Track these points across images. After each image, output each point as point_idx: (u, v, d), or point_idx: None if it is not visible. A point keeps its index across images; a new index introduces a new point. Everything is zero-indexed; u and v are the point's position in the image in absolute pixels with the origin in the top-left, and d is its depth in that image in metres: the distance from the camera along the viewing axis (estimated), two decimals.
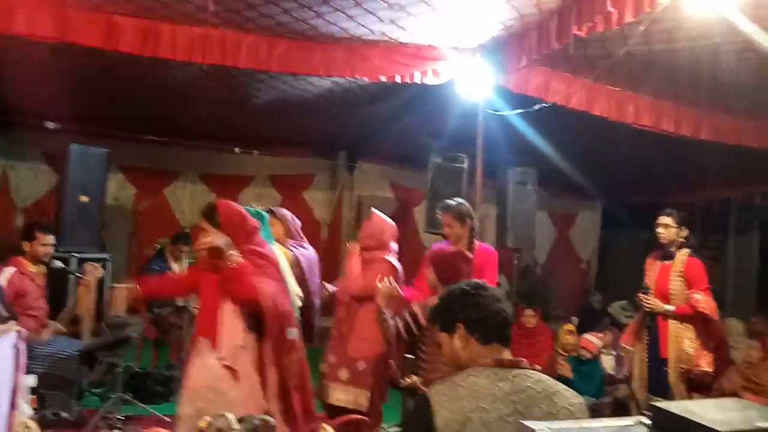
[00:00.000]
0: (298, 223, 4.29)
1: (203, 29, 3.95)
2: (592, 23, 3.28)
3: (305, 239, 4.20)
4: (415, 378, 2.79)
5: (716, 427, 1.11)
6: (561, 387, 1.59)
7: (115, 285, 5.32)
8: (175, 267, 5.83)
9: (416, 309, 2.98)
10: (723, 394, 4.44)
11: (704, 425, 1.12)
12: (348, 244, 3.85)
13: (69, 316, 4.56)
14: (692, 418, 1.15)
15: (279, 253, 3.56)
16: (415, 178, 7.68)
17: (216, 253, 2.81)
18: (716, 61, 4.13)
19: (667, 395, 3.71)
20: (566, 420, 1.41)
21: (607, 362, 5.35)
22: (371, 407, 3.49)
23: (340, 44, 4.28)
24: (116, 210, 7.06)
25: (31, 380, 3.54)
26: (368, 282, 3.49)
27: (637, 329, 3.98)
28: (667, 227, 3.87)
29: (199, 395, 2.75)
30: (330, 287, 3.81)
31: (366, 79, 4.60)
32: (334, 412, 3.54)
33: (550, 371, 4.89)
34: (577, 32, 3.38)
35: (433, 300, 2.33)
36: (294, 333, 2.88)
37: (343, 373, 3.55)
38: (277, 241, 3.78)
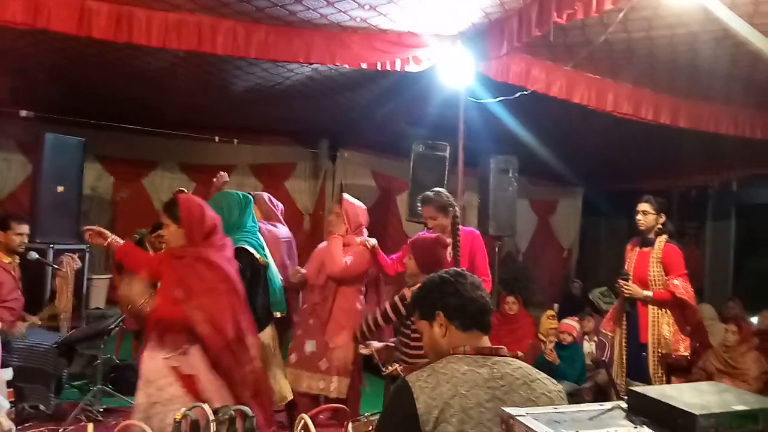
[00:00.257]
0: (280, 206, 4.26)
1: (179, 14, 3.87)
2: (571, 10, 3.28)
3: (283, 223, 4.17)
4: (397, 366, 2.80)
5: (693, 411, 1.11)
6: (541, 375, 1.60)
7: (93, 276, 5.26)
8: None
9: (407, 293, 2.98)
10: (701, 377, 4.53)
11: (681, 409, 1.13)
12: (328, 227, 3.80)
13: (49, 313, 4.50)
14: (669, 402, 1.16)
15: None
16: (397, 166, 7.66)
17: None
18: (694, 49, 4.16)
19: (647, 380, 3.76)
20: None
21: (589, 348, 5.43)
22: (351, 394, 3.50)
23: (320, 31, 4.23)
24: (94, 200, 6.95)
25: (7, 374, 3.49)
26: (349, 266, 3.49)
27: (616, 315, 4.03)
28: (646, 214, 3.90)
29: (147, 387, 2.77)
30: (302, 270, 3.77)
31: (347, 67, 4.56)
32: (307, 400, 3.55)
33: (532, 357, 4.95)
34: (557, 19, 3.37)
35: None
36: (250, 342, 2.85)
37: (323, 363, 3.54)
38: None
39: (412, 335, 2.89)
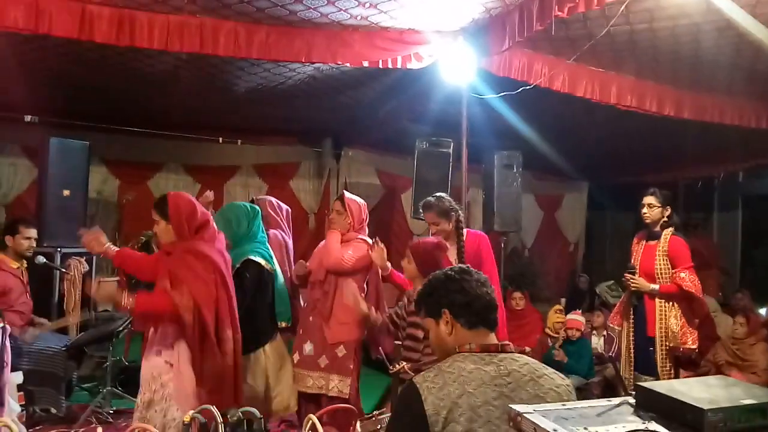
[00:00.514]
0: (285, 209, 4.25)
1: (180, 17, 3.88)
2: (573, 3, 3.27)
3: (283, 228, 4.14)
4: (404, 364, 2.80)
5: (701, 405, 1.11)
6: (548, 370, 1.59)
7: (101, 279, 5.28)
8: None
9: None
10: (710, 370, 4.51)
11: (689, 403, 1.13)
12: (329, 224, 3.79)
13: (63, 324, 4.52)
14: (677, 397, 1.16)
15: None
16: (401, 164, 7.66)
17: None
18: (697, 40, 4.14)
19: (654, 374, 3.75)
20: (553, 402, 1.41)
21: (597, 342, 5.42)
22: (353, 393, 3.50)
23: (320, 30, 4.23)
24: (100, 203, 6.98)
25: (18, 377, 3.52)
26: (345, 257, 3.50)
27: (623, 309, 4.02)
28: (651, 207, 3.89)
29: (147, 386, 2.79)
30: (305, 263, 3.76)
31: (348, 65, 4.56)
32: (310, 400, 3.55)
33: (540, 352, 4.94)
34: (559, 13, 3.36)
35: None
36: (228, 336, 2.84)
37: (322, 360, 3.54)
38: None
39: (421, 333, 2.89)
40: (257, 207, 3.65)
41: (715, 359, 4.71)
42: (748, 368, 4.56)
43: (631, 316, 3.94)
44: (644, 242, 3.98)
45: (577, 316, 5.24)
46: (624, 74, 4.90)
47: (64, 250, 4.92)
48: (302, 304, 3.92)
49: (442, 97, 5.08)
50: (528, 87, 4.57)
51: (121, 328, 4.42)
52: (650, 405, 1.19)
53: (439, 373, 1.53)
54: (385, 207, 7.95)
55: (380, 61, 4.37)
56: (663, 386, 1.23)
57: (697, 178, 8.11)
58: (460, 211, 3.54)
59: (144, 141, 6.93)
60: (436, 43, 4.38)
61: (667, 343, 3.77)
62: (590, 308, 5.98)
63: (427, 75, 4.77)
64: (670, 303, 3.80)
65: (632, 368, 3.87)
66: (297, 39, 4.20)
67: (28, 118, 6.21)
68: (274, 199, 4.28)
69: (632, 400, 1.22)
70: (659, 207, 3.87)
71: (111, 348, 4.40)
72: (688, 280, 3.74)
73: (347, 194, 3.76)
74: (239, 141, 7.39)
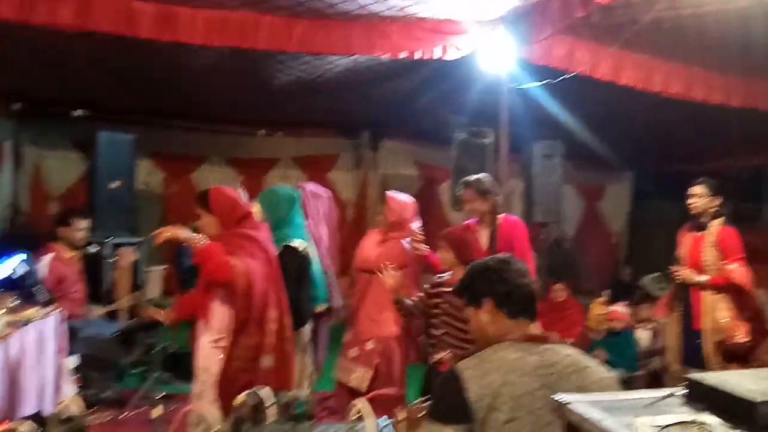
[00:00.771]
0: (324, 196, 4.22)
1: (221, 11, 3.94)
2: None
3: (320, 216, 4.13)
4: (444, 353, 2.80)
5: (753, 397, 1.08)
6: (592, 362, 1.58)
7: (149, 269, 5.46)
8: None
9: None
10: (762, 365, 4.36)
11: (740, 396, 1.10)
12: (374, 225, 3.87)
13: (115, 308, 4.68)
14: (729, 389, 1.13)
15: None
16: (439, 155, 7.62)
17: (179, 240, 2.85)
18: (745, 25, 3.97)
19: (702, 367, 3.66)
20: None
21: (643, 335, 5.30)
22: (374, 387, 3.52)
23: (358, 22, 4.24)
24: (146, 195, 7.18)
25: (73, 361, 3.68)
26: (375, 257, 3.54)
27: (670, 301, 3.93)
28: (699, 197, 3.78)
29: (199, 374, 2.84)
30: None
31: (387, 57, 4.56)
32: (347, 390, 3.61)
33: (582, 345, 4.87)
34: None
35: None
36: (272, 315, 2.87)
37: (353, 351, 3.61)
38: None
39: (459, 324, 2.89)
40: (296, 192, 3.69)
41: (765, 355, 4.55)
42: None
43: (678, 309, 3.84)
44: (692, 233, 3.87)
45: (620, 308, 5.14)
46: (670, 61, 4.75)
47: (114, 240, 5.10)
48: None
49: (481, 87, 5.03)
50: (569, 76, 4.48)
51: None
52: (701, 397, 1.17)
53: (481, 362, 1.53)
54: (422, 198, 7.88)
55: (418, 52, 4.35)
56: (714, 378, 1.21)
57: (748, 167, 7.81)
58: (498, 197, 3.52)
59: (187, 134, 7.10)
60: (474, 33, 4.33)
61: (716, 337, 3.67)
62: (634, 301, 5.84)
63: (466, 65, 4.73)
64: (719, 295, 3.69)
65: (679, 361, 3.78)
66: (335, 31, 4.22)
67: (77, 112, 6.45)
68: (311, 186, 4.27)
69: (680, 392, 1.20)
70: (707, 197, 3.76)
71: (159, 335, 4.54)
72: (738, 272, 3.62)
73: (390, 193, 3.79)
74: (279, 133, 7.49)
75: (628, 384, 4.57)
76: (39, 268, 3.89)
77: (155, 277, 5.85)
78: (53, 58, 4.96)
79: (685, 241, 3.89)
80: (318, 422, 1.06)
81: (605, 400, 1.11)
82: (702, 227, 3.79)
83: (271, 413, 1.08)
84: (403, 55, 4.37)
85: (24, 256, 3.61)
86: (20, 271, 3.46)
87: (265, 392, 1.04)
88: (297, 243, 3.48)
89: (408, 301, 3.25)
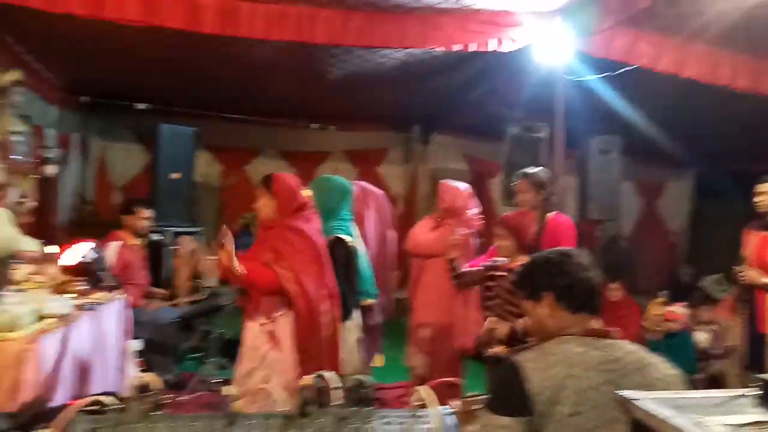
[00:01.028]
0: (375, 193, 4.21)
1: (280, 6, 4.01)
2: None
3: (369, 214, 4.10)
4: (501, 346, 2.78)
5: None
6: (656, 359, 1.54)
7: (207, 257, 5.63)
8: None
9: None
10: None
11: None
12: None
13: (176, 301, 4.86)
14: None
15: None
16: (490, 149, 7.53)
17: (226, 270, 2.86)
18: None
19: (766, 371, 3.50)
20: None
21: (702, 337, 5.11)
22: (433, 375, 3.55)
23: (413, 14, 4.23)
24: (204, 186, 7.40)
25: (137, 344, 3.84)
26: (427, 242, 3.57)
27: (734, 304, 3.79)
28: (767, 194, 3.61)
29: (248, 356, 2.93)
30: None
31: (440, 50, 4.53)
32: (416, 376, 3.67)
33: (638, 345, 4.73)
34: None
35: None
36: (327, 309, 2.92)
37: (413, 338, 3.66)
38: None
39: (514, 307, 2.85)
40: (350, 186, 3.68)
41: None
42: None
43: (742, 311, 3.69)
44: (758, 232, 3.71)
45: (677, 308, 4.96)
46: (737, 53, 4.53)
47: (174, 229, 5.29)
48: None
49: (536, 80, 4.94)
50: (630, 68, 4.35)
51: (226, 303, 4.70)
52: None
53: (542, 354, 1.51)
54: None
55: (473, 45, 4.31)
56: None
57: None
58: (552, 192, 3.47)
59: (243, 127, 7.27)
60: (530, 25, 4.26)
61: None
62: (694, 302, 5.63)
63: (520, 57, 4.65)
64: None
65: (743, 365, 3.63)
66: (389, 24, 4.23)
67: (140, 106, 6.71)
68: (364, 184, 4.24)
69: (753, 393, 1.16)
70: None
71: (216, 321, 4.69)
72: None
73: (443, 181, 3.80)
74: (332, 127, 7.57)
75: (687, 386, 4.43)
76: (105, 255, 4.07)
77: (213, 265, 6.03)
78: (119, 53, 5.17)
79: (751, 240, 3.73)
80: (382, 408, 1.08)
81: (672, 398, 1.09)
82: None
83: (336, 396, 1.11)
84: (457, 48, 4.33)
85: (92, 243, 3.78)
86: (89, 258, 3.63)
87: (331, 376, 1.07)
88: (346, 237, 3.49)
89: (462, 268, 3.22)
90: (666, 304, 5.16)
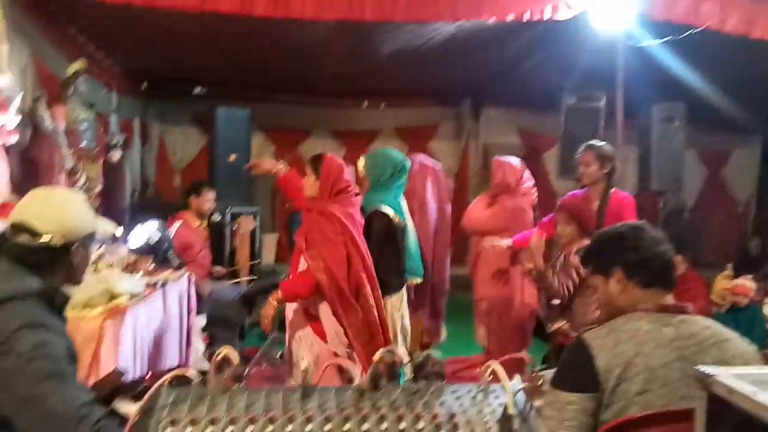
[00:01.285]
0: (432, 166, 4.15)
1: None
2: None
3: (424, 193, 4.04)
4: (563, 323, 2.76)
5: None
6: (732, 334, 1.49)
7: (264, 236, 5.79)
8: None
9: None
10: None
11: None
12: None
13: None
14: None
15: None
16: (544, 122, 7.35)
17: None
18: None
19: None
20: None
21: None
22: (496, 348, 3.58)
23: None
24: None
25: (201, 320, 4.01)
26: (480, 220, 3.61)
27: None
28: None
29: (291, 334, 3.04)
30: None
31: (492, 20, 4.42)
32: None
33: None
34: None
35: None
36: (367, 293, 2.94)
37: (476, 313, 3.82)
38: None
39: (575, 293, 2.82)
40: (407, 162, 3.57)
41: None
42: None
43: None
44: None
45: (745, 281, 4.76)
46: None
47: (233, 210, 5.45)
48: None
49: (592, 47, 4.77)
50: (695, 31, 4.13)
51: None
52: None
53: (611, 332, 1.49)
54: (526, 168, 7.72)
55: (526, 14, 4.18)
56: None
57: None
58: (616, 167, 3.37)
59: (296, 108, 7.36)
60: None
61: None
62: (762, 275, 5.39)
63: (576, 25, 4.49)
64: None
65: None
66: None
67: (197, 90, 6.88)
68: (421, 159, 4.18)
69: None
70: None
71: None
72: None
73: (496, 157, 3.78)
74: (382, 104, 7.56)
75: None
76: (170, 234, 4.22)
77: (270, 243, 6.20)
78: (175, 40, 5.30)
79: None
80: (453, 382, 1.10)
81: (753, 374, 1.05)
82: None
83: (407, 371, 1.13)
84: (510, 17, 4.21)
85: (157, 223, 3.93)
86: (155, 237, 3.78)
87: (401, 350, 1.09)
88: (387, 210, 3.36)
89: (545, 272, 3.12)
90: (733, 277, 4.97)
